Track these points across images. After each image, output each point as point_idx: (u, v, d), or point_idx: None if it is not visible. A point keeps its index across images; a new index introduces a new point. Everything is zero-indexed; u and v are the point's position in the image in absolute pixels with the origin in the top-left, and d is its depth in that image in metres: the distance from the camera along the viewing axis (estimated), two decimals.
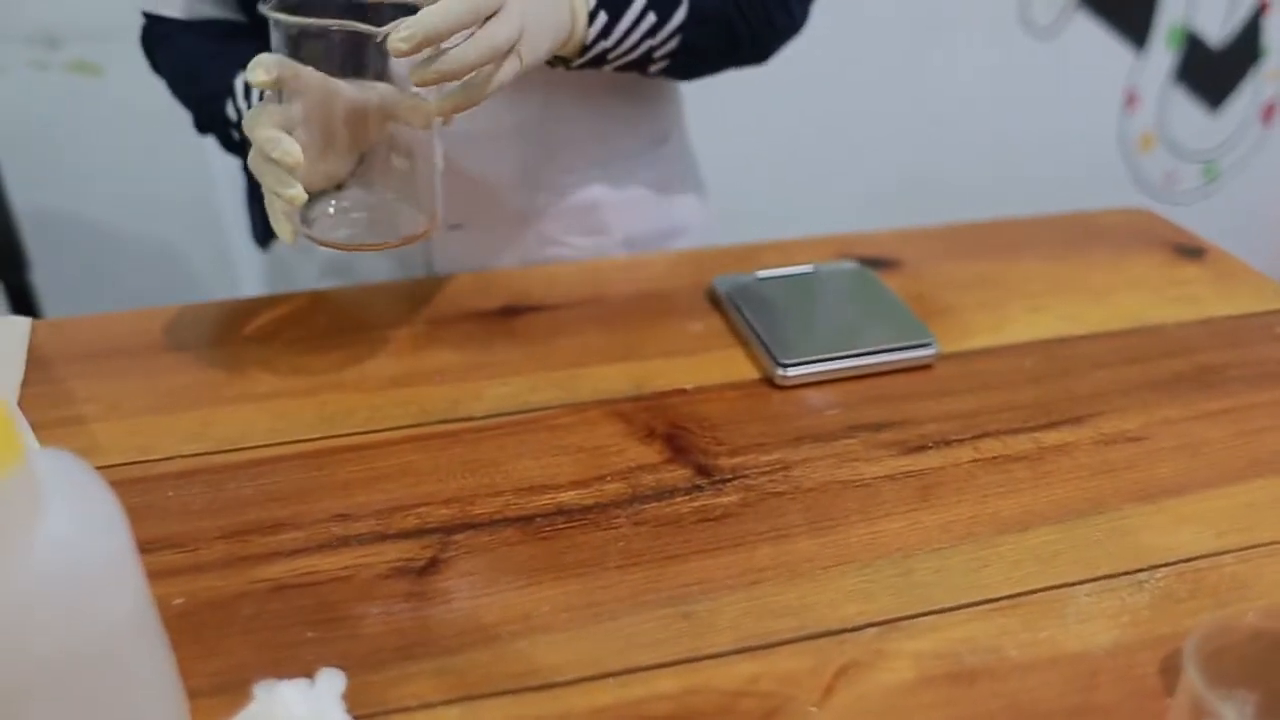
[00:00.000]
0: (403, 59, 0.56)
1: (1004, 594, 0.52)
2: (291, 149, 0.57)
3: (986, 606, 0.51)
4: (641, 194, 0.88)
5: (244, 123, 0.60)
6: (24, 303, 1.29)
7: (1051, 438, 0.62)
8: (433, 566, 0.53)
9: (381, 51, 0.58)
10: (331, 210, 0.65)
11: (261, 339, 0.71)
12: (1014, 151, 1.83)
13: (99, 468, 0.59)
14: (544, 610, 0.50)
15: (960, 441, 0.62)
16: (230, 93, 0.73)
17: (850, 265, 0.77)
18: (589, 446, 0.61)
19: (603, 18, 0.68)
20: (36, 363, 0.69)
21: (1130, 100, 1.83)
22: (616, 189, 0.87)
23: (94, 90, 1.39)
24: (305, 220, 0.64)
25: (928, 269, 0.80)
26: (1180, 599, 0.51)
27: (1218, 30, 1.78)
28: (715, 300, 0.75)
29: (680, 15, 0.71)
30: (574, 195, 0.85)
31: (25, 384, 0.66)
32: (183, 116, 0.78)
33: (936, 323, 0.73)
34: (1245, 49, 1.80)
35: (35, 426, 0.62)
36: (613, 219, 0.89)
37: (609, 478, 0.59)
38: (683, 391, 0.66)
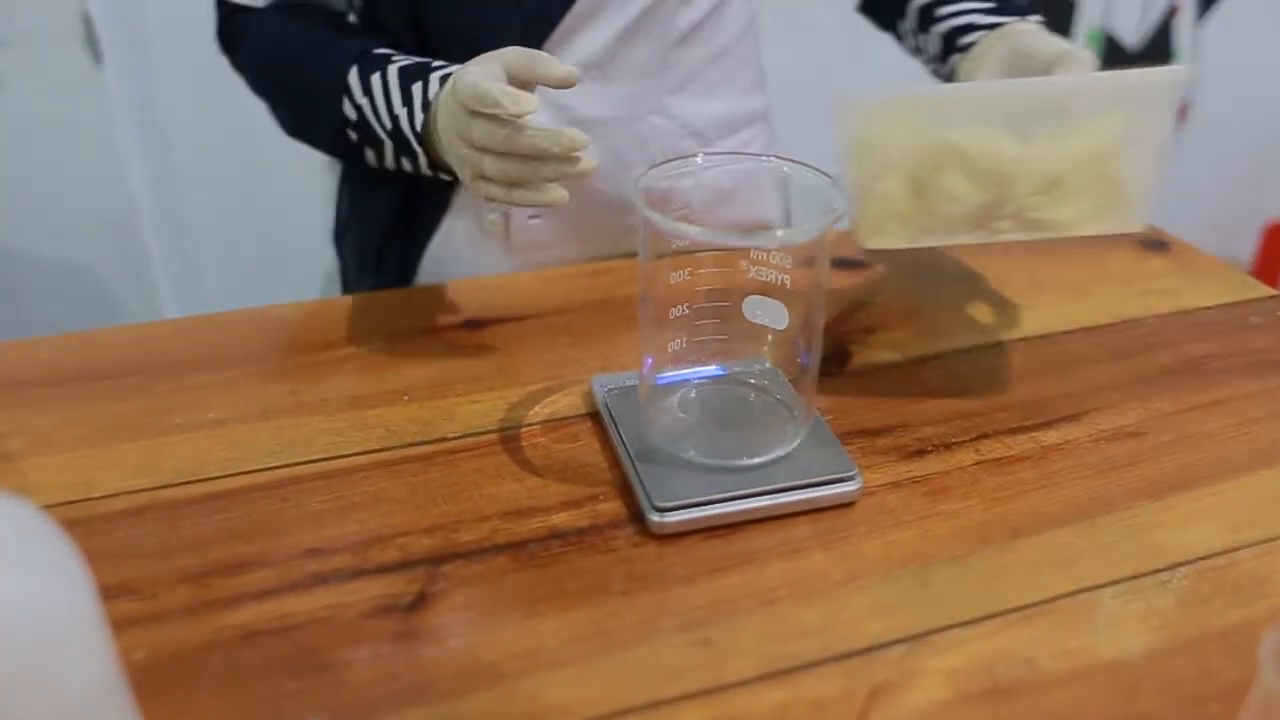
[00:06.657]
0: None
1: (1029, 601, 0.49)
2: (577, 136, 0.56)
3: (1013, 615, 0.48)
4: (729, 184, 0.83)
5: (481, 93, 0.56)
6: None
7: (1052, 436, 0.60)
8: (421, 602, 0.48)
9: None
10: None
11: (204, 361, 0.66)
12: None
13: None
14: (550, 644, 0.46)
15: (961, 444, 0.59)
16: (346, 89, 0.68)
17: (761, 366, 0.61)
18: (576, 464, 0.57)
19: None
20: None
21: None
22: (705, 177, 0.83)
23: None
24: None
25: (891, 270, 0.78)
26: (1205, 598, 0.50)
27: (1133, 32, 1.82)
28: (593, 405, 0.61)
29: None
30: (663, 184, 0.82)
31: None
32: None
33: (912, 324, 0.71)
34: (1159, 50, 1.85)
35: None
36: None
37: (601, 497, 0.55)
38: None
